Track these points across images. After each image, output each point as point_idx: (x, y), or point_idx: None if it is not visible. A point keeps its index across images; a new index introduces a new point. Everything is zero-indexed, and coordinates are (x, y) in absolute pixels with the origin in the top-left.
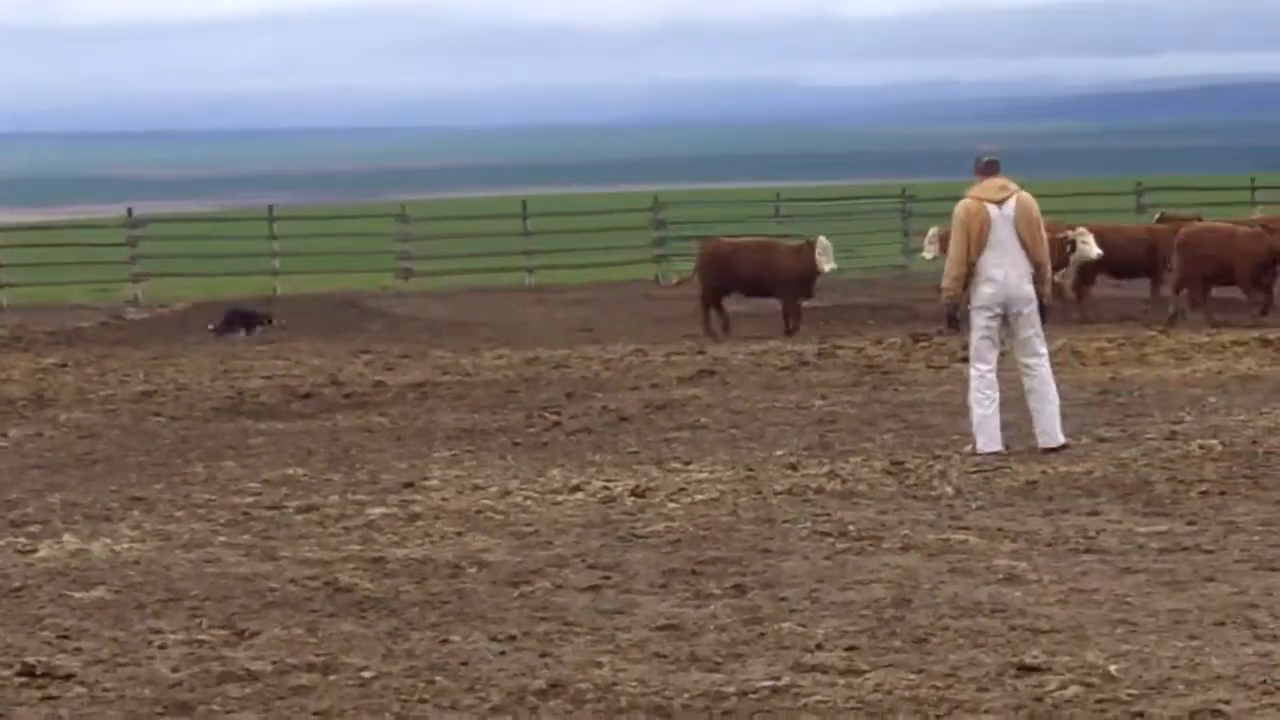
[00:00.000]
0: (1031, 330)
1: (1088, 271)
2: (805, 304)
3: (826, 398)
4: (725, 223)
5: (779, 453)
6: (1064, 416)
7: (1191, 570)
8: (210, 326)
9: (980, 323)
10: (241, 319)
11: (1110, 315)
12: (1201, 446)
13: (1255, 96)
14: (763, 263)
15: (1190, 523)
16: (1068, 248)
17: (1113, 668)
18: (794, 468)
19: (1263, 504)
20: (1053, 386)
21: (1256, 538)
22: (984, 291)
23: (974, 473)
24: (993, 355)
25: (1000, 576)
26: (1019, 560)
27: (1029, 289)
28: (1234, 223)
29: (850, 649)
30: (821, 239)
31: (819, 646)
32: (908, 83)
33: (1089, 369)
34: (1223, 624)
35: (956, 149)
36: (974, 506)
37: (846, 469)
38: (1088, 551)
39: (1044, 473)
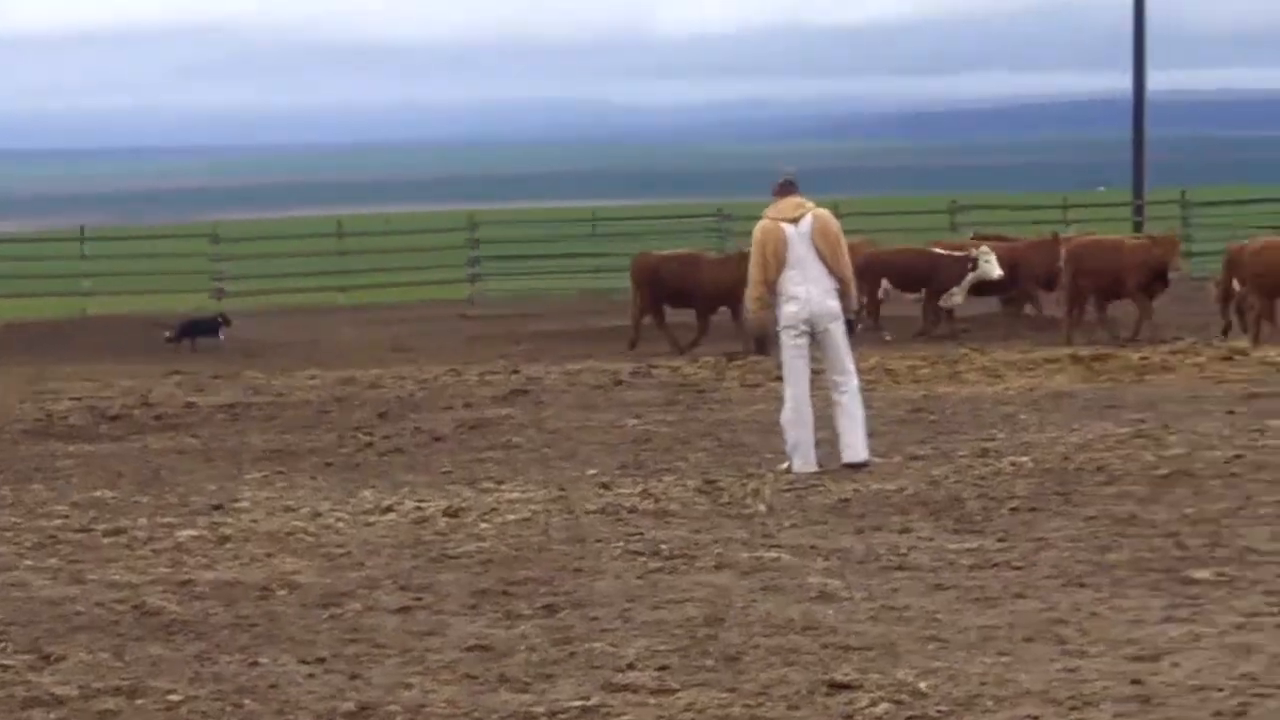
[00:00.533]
0: (839, 347)
1: (986, 290)
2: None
3: (640, 417)
4: (541, 241)
5: (592, 472)
6: (877, 434)
7: (1001, 587)
8: (166, 335)
9: (788, 342)
10: (196, 330)
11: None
12: (1013, 464)
13: (1071, 116)
14: (688, 275)
15: (1001, 539)
16: (969, 265)
17: (923, 684)
18: (607, 487)
19: (1073, 520)
20: (861, 403)
21: (1066, 554)
22: (788, 310)
23: (787, 491)
24: (805, 374)
25: (812, 594)
26: (831, 578)
27: (833, 305)
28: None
29: (662, 668)
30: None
31: (630, 666)
32: (726, 101)
33: (902, 386)
34: (1032, 640)
35: (774, 168)
36: (787, 524)
37: (660, 488)
38: (899, 569)
39: (856, 490)
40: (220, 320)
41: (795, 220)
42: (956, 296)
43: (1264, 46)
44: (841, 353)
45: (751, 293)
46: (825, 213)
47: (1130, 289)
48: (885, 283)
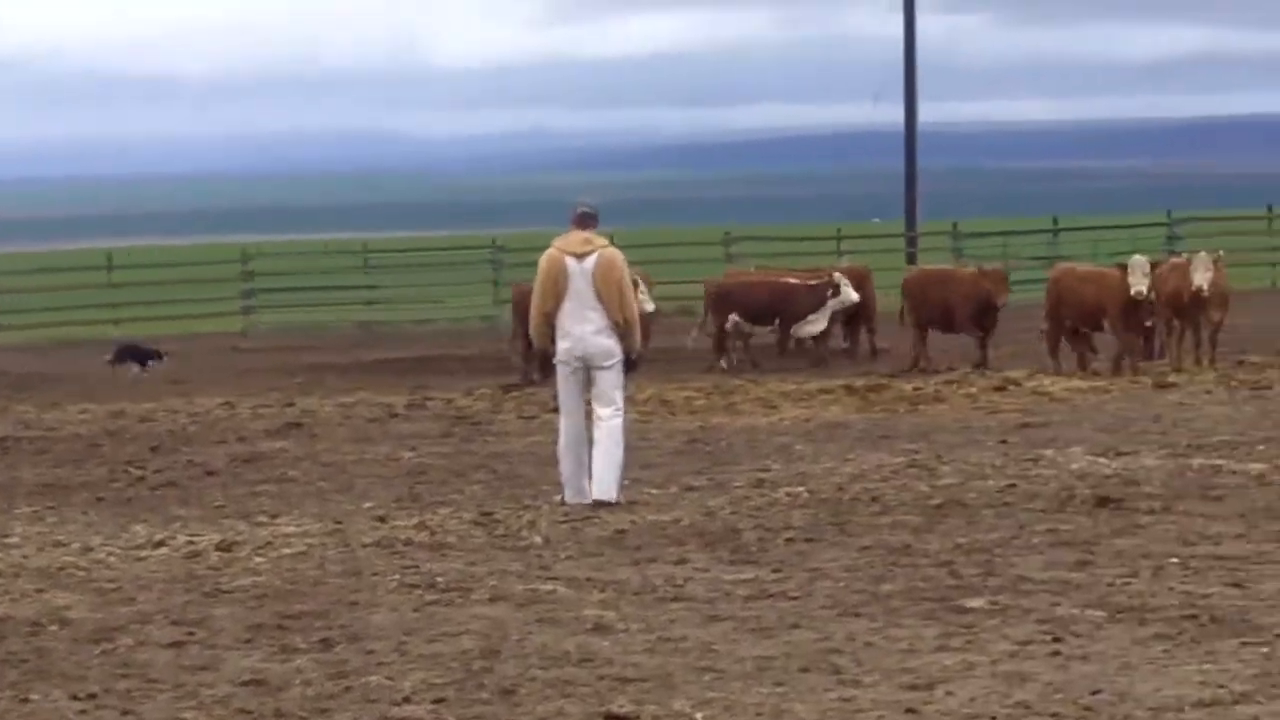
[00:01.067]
0: (609, 385)
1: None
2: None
3: (416, 449)
4: (315, 274)
5: (367, 505)
6: (653, 466)
7: (777, 617)
8: (106, 358)
9: (561, 376)
10: (134, 354)
11: (696, 366)
12: (788, 494)
13: (845, 147)
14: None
15: (776, 570)
16: (829, 291)
17: (699, 715)
18: (383, 520)
19: (847, 550)
20: (620, 444)
21: (841, 584)
22: (561, 346)
23: (563, 523)
24: (578, 407)
25: (589, 626)
26: (607, 609)
27: (608, 344)
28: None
29: (438, 701)
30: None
31: (406, 699)
32: (503, 132)
33: (678, 418)
34: (807, 670)
35: (549, 199)
36: (563, 556)
37: (435, 520)
38: (675, 600)
39: (633, 522)
40: (156, 353)
41: (581, 256)
42: (817, 324)
43: (1023, 79)
44: (609, 390)
45: (531, 321)
46: (613, 253)
47: (961, 319)
48: (734, 316)
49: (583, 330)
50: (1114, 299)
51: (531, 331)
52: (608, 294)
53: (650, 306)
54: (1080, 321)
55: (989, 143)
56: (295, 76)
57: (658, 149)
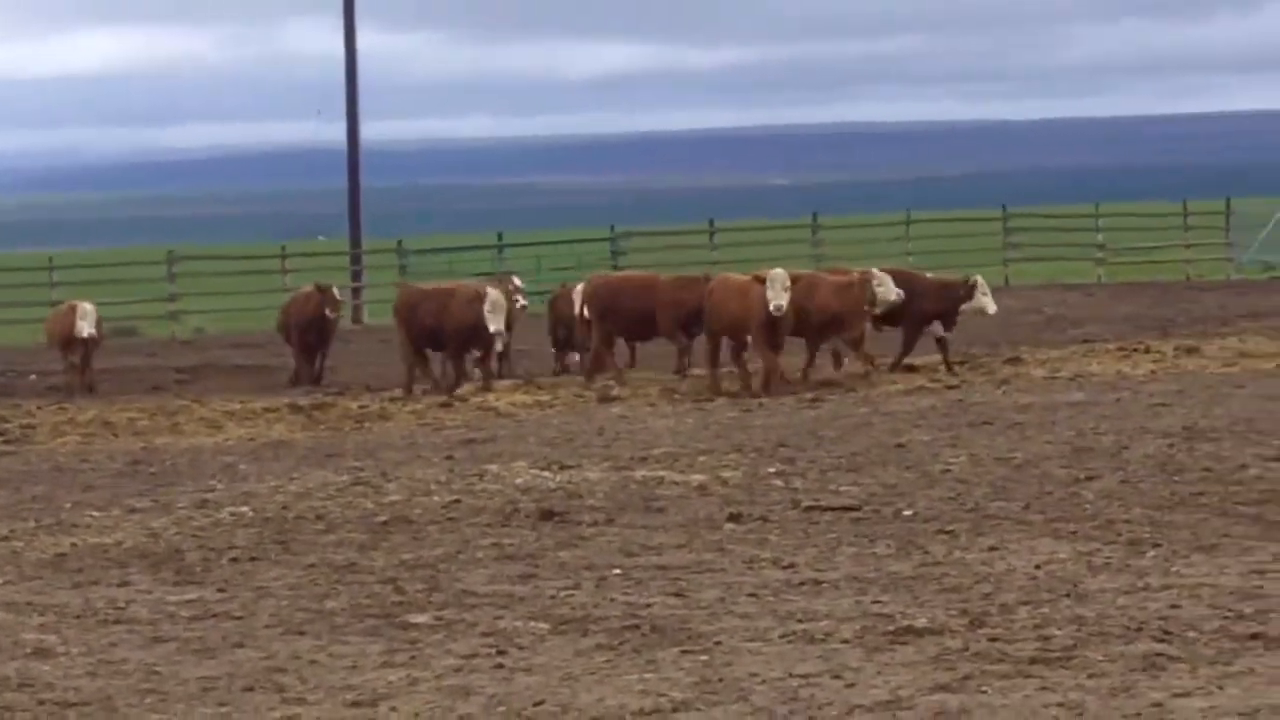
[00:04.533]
0: None
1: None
2: None
3: None
4: None
5: None
6: (95, 488)
7: (221, 637)
8: None
9: None
10: None
11: (139, 386)
12: (233, 514)
13: (286, 166)
14: (439, 311)
15: (221, 590)
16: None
17: None
18: None
19: (292, 569)
20: None
21: (285, 602)
22: None
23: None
24: None
25: (28, 651)
26: (48, 634)
27: None
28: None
29: None
30: (492, 291)
31: None
32: None
33: (121, 439)
34: (251, 689)
35: None
36: (1, 581)
37: None
38: (118, 622)
39: (73, 545)
40: None
41: None
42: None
43: (468, 97)
44: None
45: None
46: None
47: (663, 325)
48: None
49: None
50: (755, 313)
51: None
52: None
53: (519, 302)
54: (727, 333)
55: (433, 160)
56: None
57: (93, 169)
